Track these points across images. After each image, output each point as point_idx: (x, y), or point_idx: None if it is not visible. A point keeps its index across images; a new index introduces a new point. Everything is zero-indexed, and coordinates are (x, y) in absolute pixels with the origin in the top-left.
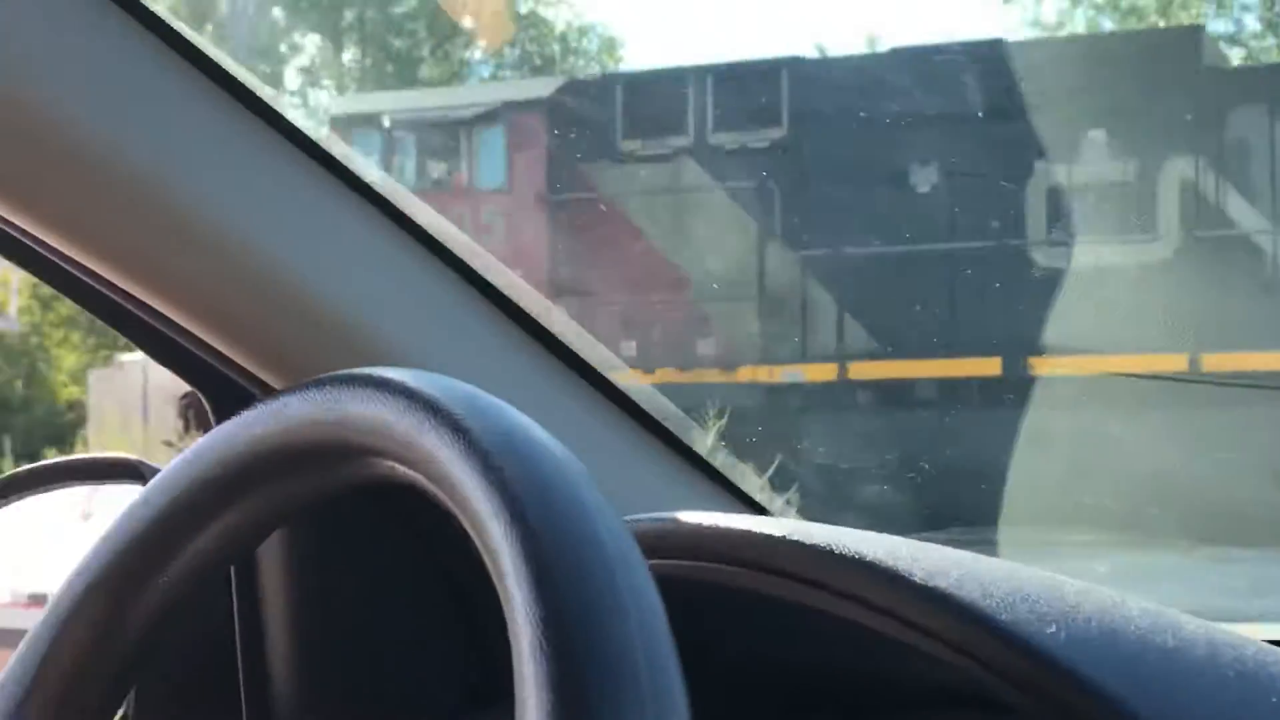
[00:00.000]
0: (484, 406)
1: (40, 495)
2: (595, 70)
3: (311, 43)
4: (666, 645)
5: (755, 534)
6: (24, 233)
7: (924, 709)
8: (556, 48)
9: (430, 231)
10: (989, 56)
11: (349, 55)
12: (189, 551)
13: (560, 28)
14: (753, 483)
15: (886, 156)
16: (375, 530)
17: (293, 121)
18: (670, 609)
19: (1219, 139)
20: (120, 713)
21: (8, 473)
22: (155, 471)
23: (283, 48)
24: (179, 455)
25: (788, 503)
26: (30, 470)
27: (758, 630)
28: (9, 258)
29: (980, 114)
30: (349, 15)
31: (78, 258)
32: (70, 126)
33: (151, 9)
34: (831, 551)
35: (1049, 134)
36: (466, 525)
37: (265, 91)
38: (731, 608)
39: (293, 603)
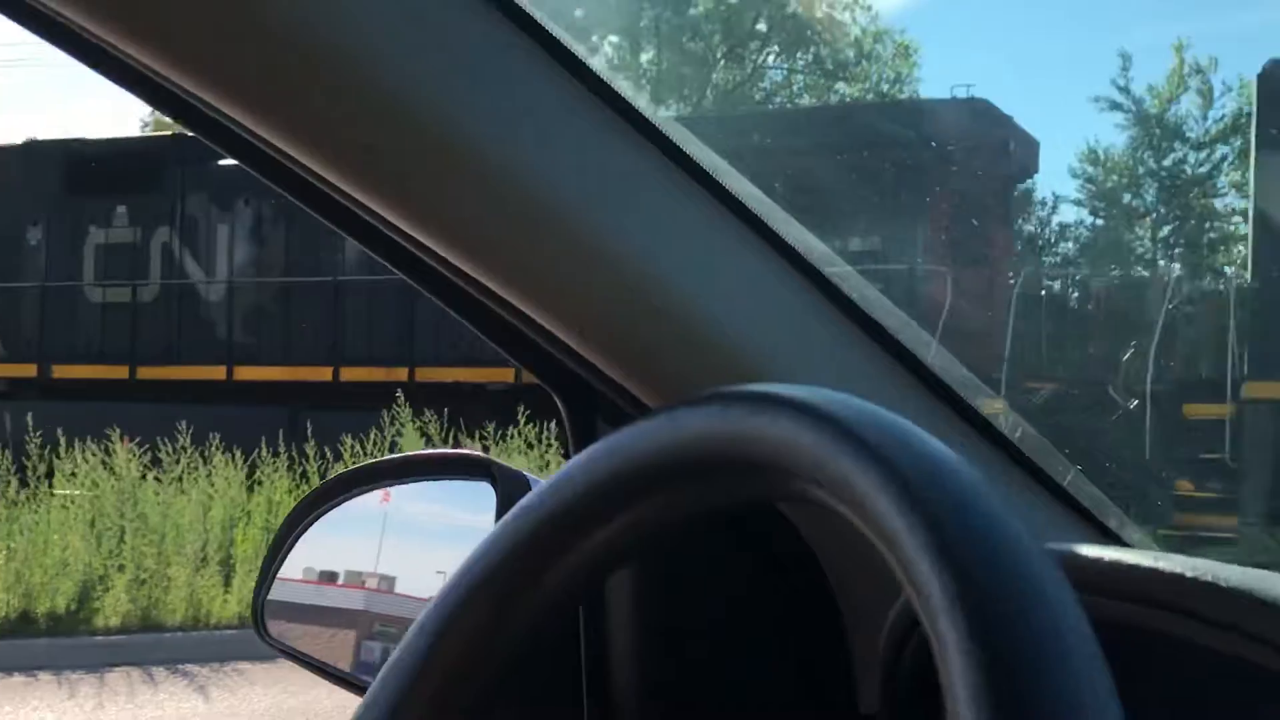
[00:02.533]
0: (903, 431)
1: (398, 486)
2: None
3: (609, 44)
4: (1108, 688)
5: (1164, 572)
6: (420, 246)
7: None
8: (850, 53)
9: (795, 248)
10: None
11: (645, 57)
12: (575, 556)
13: (855, 33)
14: (1108, 510)
15: None
16: (722, 563)
17: (661, 129)
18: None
19: None
20: None
21: (364, 462)
22: (504, 470)
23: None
24: (572, 459)
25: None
26: (386, 461)
27: (1166, 675)
28: (410, 277)
29: None
30: (646, 18)
31: (470, 271)
32: (480, 154)
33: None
34: (1250, 594)
35: None
36: (886, 554)
37: (638, 101)
38: (1142, 650)
39: (638, 636)
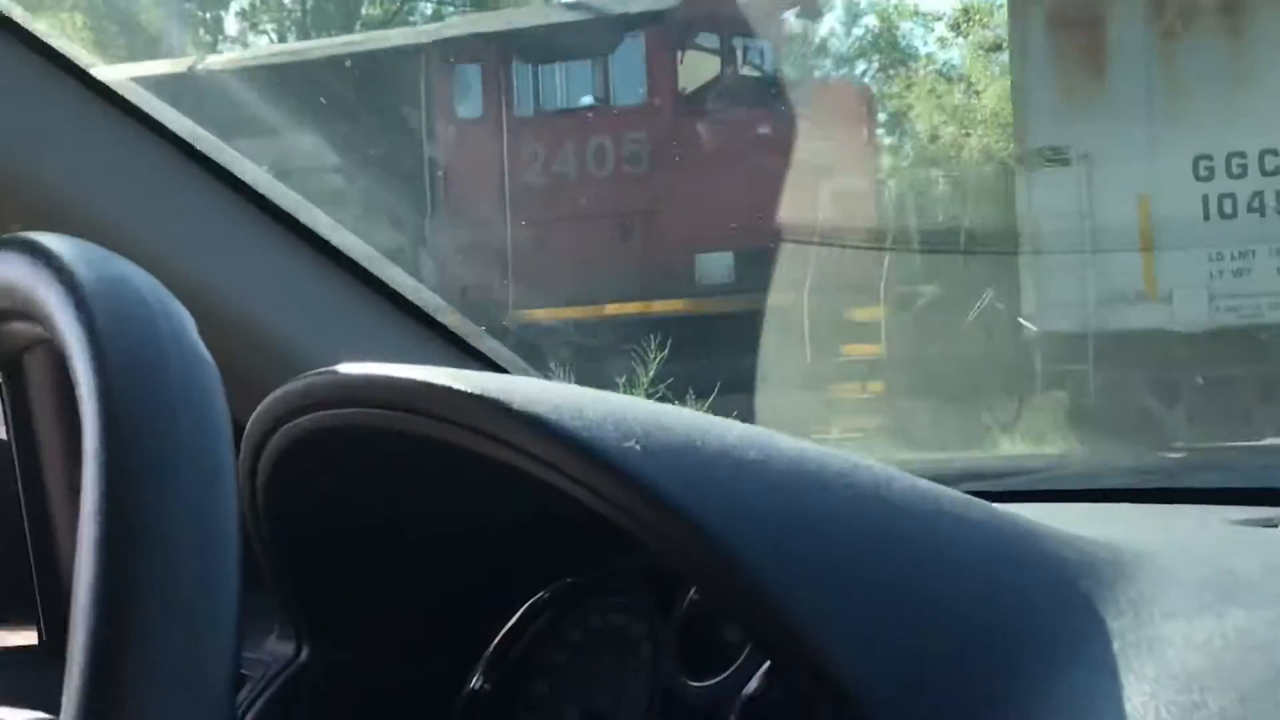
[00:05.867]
0: (90, 256)
1: None
2: None
3: None
4: (218, 456)
5: (397, 378)
6: None
7: (593, 548)
8: None
9: (138, 102)
10: None
11: None
12: None
13: None
14: (491, 344)
15: None
16: None
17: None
18: (342, 456)
19: None
20: None
21: None
22: None
23: None
24: None
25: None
26: None
27: (424, 474)
28: None
29: None
30: None
31: None
32: None
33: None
34: (450, 387)
35: None
36: (69, 366)
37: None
38: (394, 452)
39: (66, 463)
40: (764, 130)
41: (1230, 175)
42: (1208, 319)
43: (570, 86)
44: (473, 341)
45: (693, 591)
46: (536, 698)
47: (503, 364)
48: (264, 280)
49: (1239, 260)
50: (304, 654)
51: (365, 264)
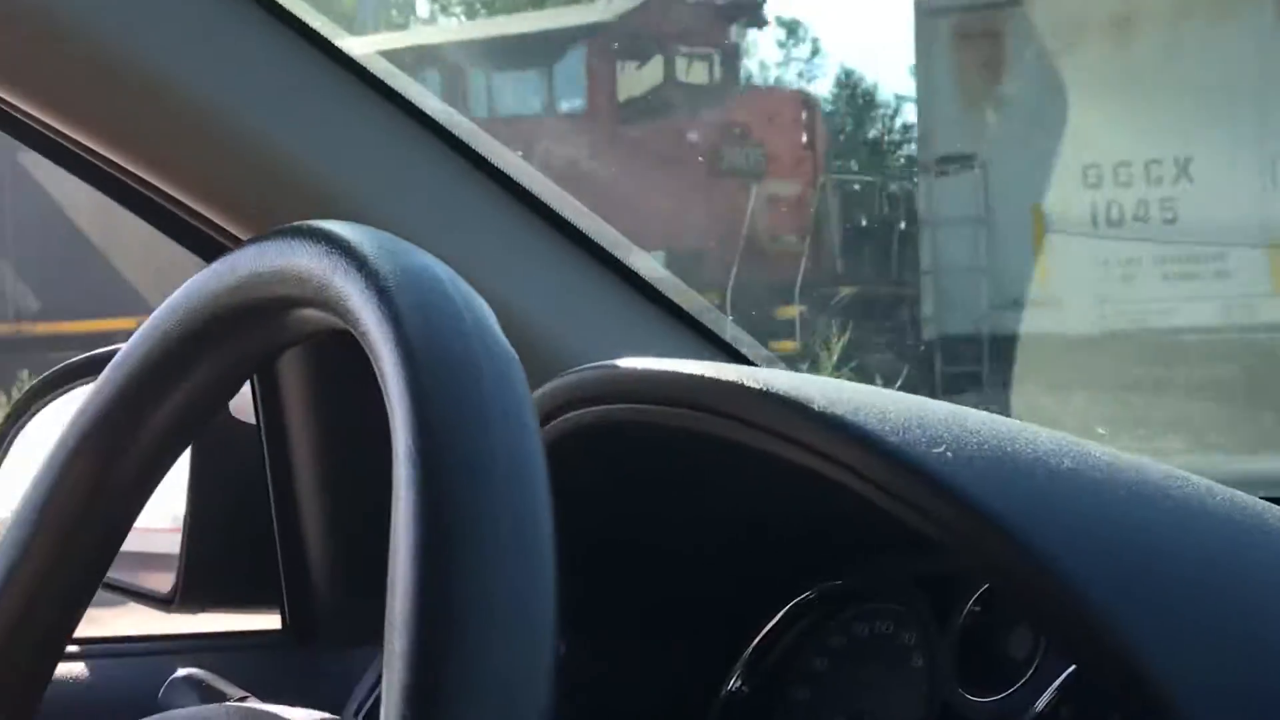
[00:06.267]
0: (389, 246)
1: (73, 392)
2: None
3: None
4: (531, 456)
5: (681, 374)
6: (26, 114)
7: (874, 550)
8: None
9: (396, 89)
10: None
11: None
12: (162, 407)
13: None
14: (736, 334)
15: None
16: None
17: None
18: (616, 452)
19: None
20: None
21: (79, 357)
22: None
23: None
24: (155, 311)
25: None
26: (88, 358)
27: (693, 471)
28: (17, 138)
29: None
30: None
31: (73, 133)
32: (65, 16)
33: None
34: (741, 385)
35: None
36: (371, 359)
37: None
38: (678, 451)
39: (319, 464)
40: (693, 136)
41: (1117, 184)
42: (1097, 324)
43: (524, 94)
44: (716, 330)
45: (972, 602)
46: (796, 703)
47: (748, 355)
48: (517, 267)
49: (1126, 267)
50: (560, 650)
51: (610, 249)
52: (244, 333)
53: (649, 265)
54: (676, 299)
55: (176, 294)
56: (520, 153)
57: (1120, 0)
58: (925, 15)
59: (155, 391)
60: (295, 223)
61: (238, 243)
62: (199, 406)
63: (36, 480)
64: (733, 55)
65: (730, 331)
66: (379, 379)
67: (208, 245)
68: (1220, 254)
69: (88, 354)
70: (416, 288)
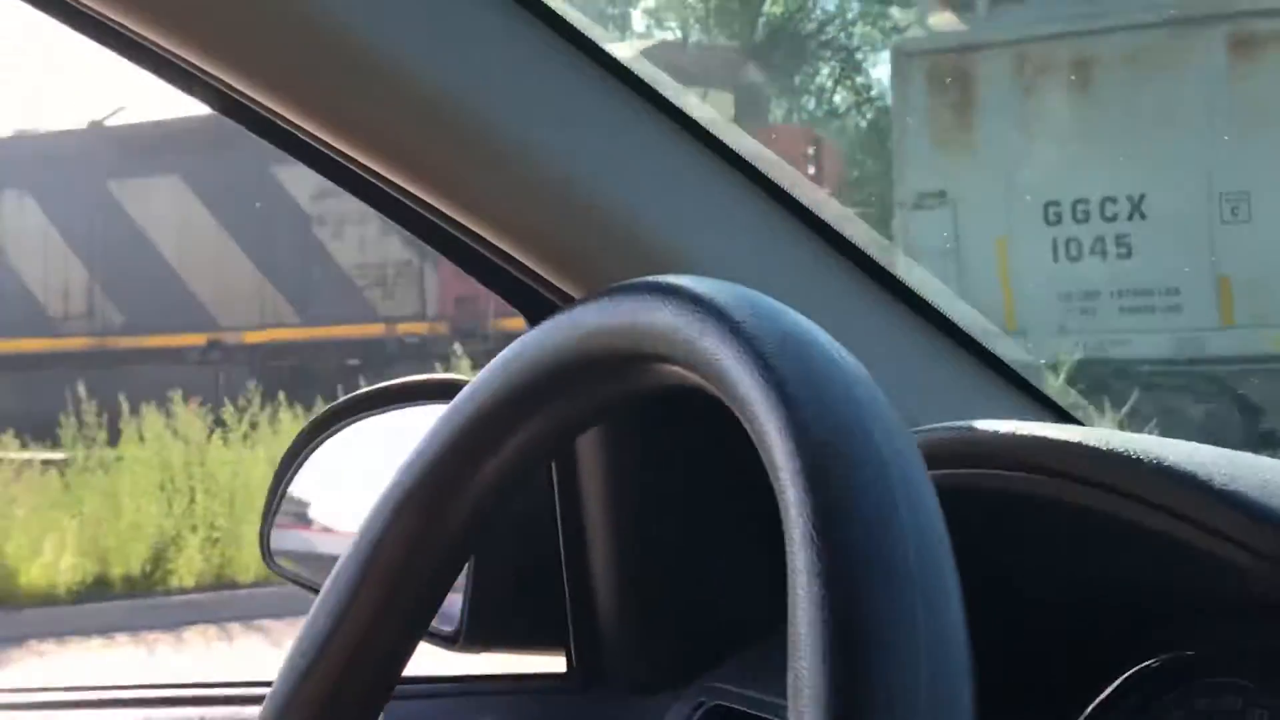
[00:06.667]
0: (764, 308)
1: (368, 419)
2: None
3: None
4: (938, 541)
5: (1048, 440)
6: (351, 161)
7: (1221, 620)
8: None
9: (721, 139)
10: None
11: None
12: (496, 459)
13: None
14: (1061, 392)
15: None
16: (690, 436)
17: (590, 37)
18: (963, 517)
19: None
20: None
21: (349, 395)
22: None
23: None
24: (491, 361)
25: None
26: (367, 393)
27: (1052, 539)
28: (344, 186)
29: None
30: None
31: (400, 181)
32: (393, 61)
33: None
34: (1125, 455)
35: None
36: (745, 423)
37: (569, 13)
38: (1024, 516)
39: (612, 510)
40: None
41: (1075, 220)
42: (1056, 353)
43: None
44: (1032, 380)
45: None
46: None
47: (1067, 409)
48: (855, 324)
49: (1085, 300)
50: None
51: (922, 294)
52: (588, 386)
53: (969, 316)
54: (989, 347)
55: (513, 347)
56: None
57: (1081, 45)
58: (900, 57)
59: (489, 443)
60: (649, 278)
61: (562, 298)
62: (531, 457)
63: (364, 530)
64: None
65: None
66: (758, 444)
67: (530, 299)
68: (1174, 289)
69: (380, 385)
70: (799, 355)
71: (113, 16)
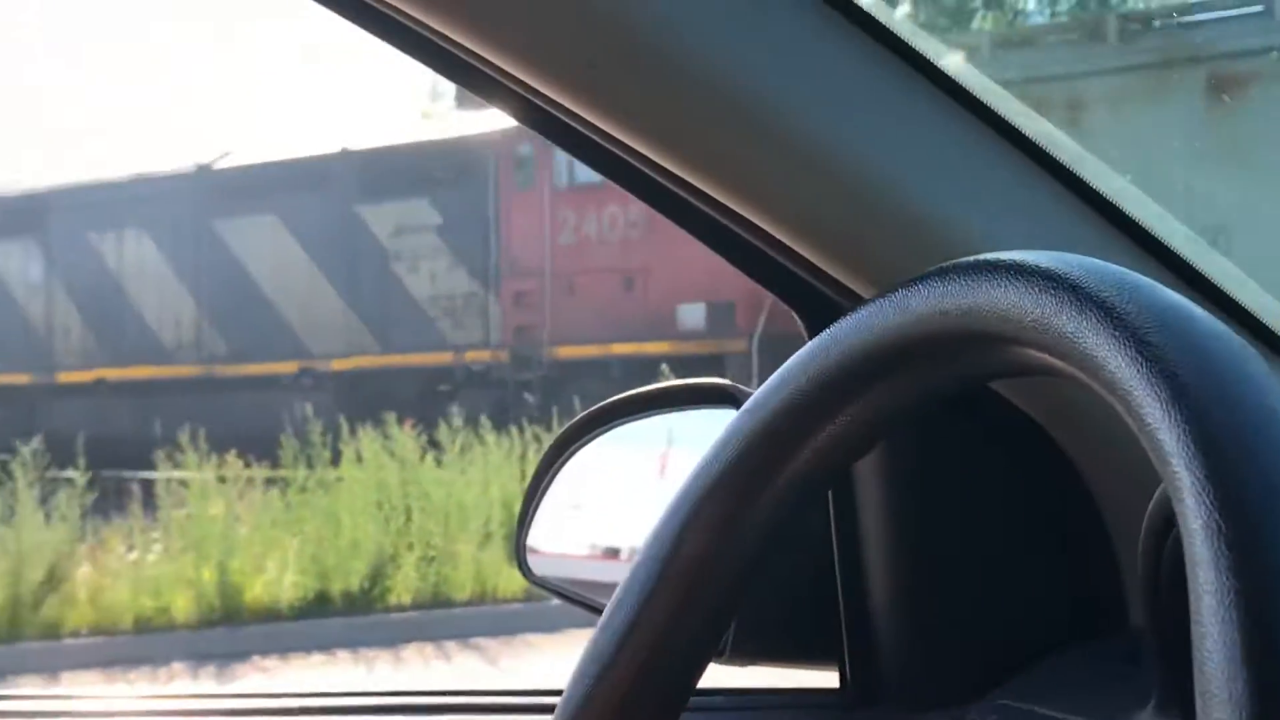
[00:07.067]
0: (1133, 283)
1: (631, 423)
2: None
3: None
4: None
5: None
6: (625, 149)
7: None
8: None
9: (1011, 123)
10: None
11: None
12: (807, 452)
13: None
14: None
15: None
16: (971, 446)
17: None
18: None
19: None
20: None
21: (612, 399)
22: (746, 394)
23: None
24: (795, 354)
25: None
26: (625, 398)
27: None
28: (617, 180)
29: None
30: None
31: (688, 177)
32: (682, 52)
33: None
34: None
35: None
36: (1119, 408)
37: None
38: None
39: (890, 523)
40: None
41: None
42: None
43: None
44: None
45: None
46: None
47: None
48: None
49: None
50: None
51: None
52: (916, 371)
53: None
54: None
55: (825, 335)
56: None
57: (1073, 87)
58: None
59: (798, 435)
60: (984, 256)
61: (847, 295)
62: (844, 454)
63: (658, 530)
64: None
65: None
66: (1138, 429)
67: (810, 299)
68: None
69: (639, 390)
70: (1180, 330)
71: (419, 18)
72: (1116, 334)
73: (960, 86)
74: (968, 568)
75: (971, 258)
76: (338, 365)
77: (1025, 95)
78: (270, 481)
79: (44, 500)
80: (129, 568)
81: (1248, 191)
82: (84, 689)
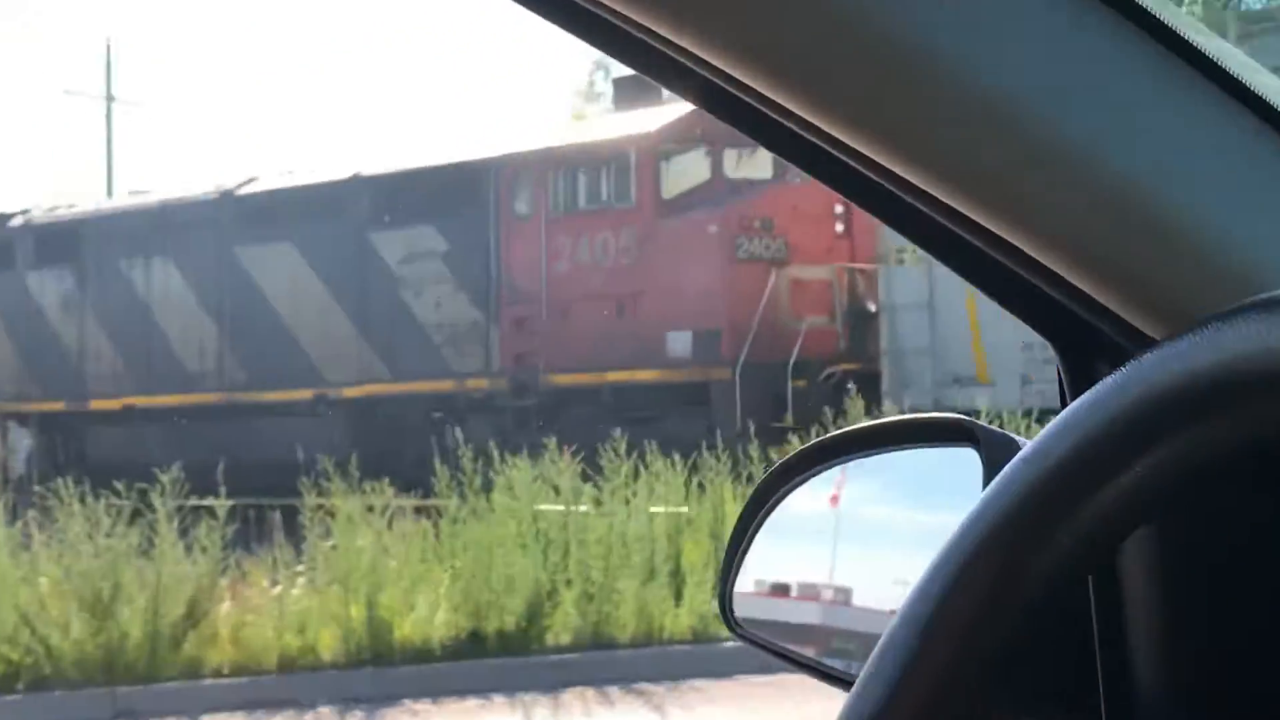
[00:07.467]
0: None
1: (849, 463)
2: None
3: None
4: None
5: None
6: (874, 167)
7: None
8: None
9: None
10: None
11: None
12: (1087, 513)
13: None
14: None
15: None
16: (1251, 518)
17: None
18: None
19: None
20: None
21: (834, 433)
22: (990, 434)
23: None
24: (1077, 400)
25: None
26: (855, 431)
27: None
28: (853, 199)
29: None
30: None
31: (938, 194)
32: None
33: None
34: None
35: None
36: None
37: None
38: None
39: (1160, 606)
40: (713, 228)
41: None
42: (1019, 400)
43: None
44: None
45: None
46: None
47: None
48: None
49: (1044, 350)
50: None
51: None
52: (1232, 414)
53: None
54: None
55: (1119, 376)
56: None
57: None
58: None
59: (1087, 485)
60: None
61: (1126, 332)
62: (1144, 504)
63: (932, 573)
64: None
65: None
66: None
67: (1078, 332)
68: None
69: (862, 425)
70: None
71: (613, 7)
72: None
73: (1253, 93)
74: (1245, 655)
75: None
76: (349, 393)
77: None
78: (418, 511)
79: (184, 532)
80: (272, 602)
81: None
82: None
